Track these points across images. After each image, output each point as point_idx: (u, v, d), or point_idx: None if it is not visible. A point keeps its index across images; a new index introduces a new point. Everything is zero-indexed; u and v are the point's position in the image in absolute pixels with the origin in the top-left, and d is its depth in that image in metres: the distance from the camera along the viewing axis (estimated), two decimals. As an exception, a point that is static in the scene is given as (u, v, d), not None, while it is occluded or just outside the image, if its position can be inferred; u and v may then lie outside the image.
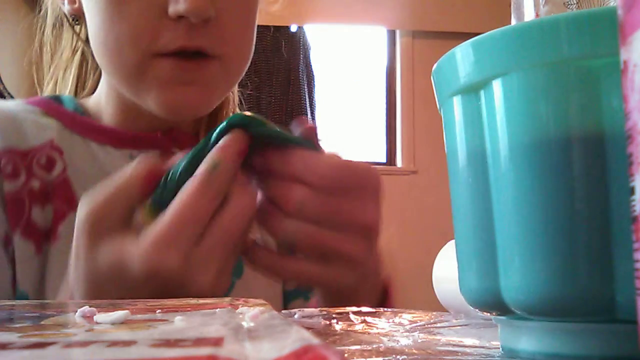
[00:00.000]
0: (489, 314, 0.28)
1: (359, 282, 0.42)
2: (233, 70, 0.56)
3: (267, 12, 0.69)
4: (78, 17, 0.59)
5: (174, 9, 0.49)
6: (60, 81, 0.66)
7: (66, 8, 0.60)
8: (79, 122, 0.59)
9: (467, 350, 0.28)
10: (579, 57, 0.23)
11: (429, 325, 0.38)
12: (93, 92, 0.64)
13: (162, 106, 0.53)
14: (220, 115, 0.66)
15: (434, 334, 0.34)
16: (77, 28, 0.63)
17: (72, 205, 0.53)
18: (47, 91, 0.67)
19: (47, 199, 0.54)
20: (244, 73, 0.60)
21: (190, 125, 0.63)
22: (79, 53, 0.65)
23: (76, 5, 0.58)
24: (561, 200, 0.23)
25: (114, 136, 0.59)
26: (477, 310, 0.29)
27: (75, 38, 0.64)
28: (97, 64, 0.62)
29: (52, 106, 0.60)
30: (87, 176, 0.56)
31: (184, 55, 0.51)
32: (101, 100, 0.61)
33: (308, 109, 3.11)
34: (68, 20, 0.62)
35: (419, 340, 0.31)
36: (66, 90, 0.65)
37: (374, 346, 0.29)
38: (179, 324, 0.18)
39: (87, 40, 0.61)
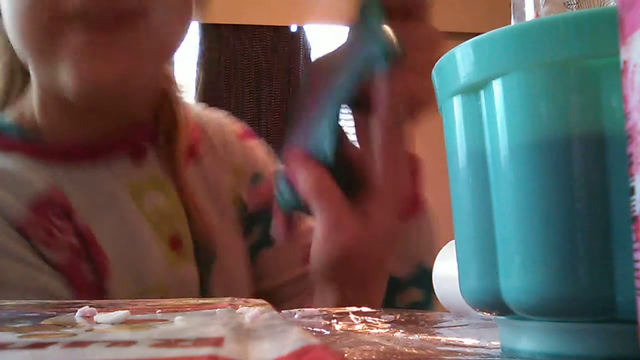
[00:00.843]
0: (489, 314, 0.28)
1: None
2: (160, 36, 0.48)
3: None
4: None
5: None
6: None
7: None
8: (47, 149, 0.50)
9: (467, 350, 0.28)
10: (579, 57, 0.23)
11: (429, 325, 0.38)
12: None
13: (75, 84, 0.45)
14: (164, 106, 0.57)
15: (434, 334, 0.34)
16: None
17: (103, 254, 0.47)
18: None
19: (85, 253, 0.48)
20: (181, 40, 0.52)
21: (148, 116, 0.55)
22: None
23: None
24: (561, 200, 0.23)
25: (84, 150, 0.51)
26: (477, 310, 0.29)
27: None
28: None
29: (1, 139, 0.49)
30: (95, 211, 0.49)
31: (99, 19, 0.44)
32: (34, 112, 0.51)
33: (308, 109, 3.11)
34: None
35: (419, 340, 0.31)
36: None
37: (374, 346, 0.29)
38: (179, 324, 0.18)
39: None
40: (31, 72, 0.51)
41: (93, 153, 0.52)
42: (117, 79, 0.46)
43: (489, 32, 0.25)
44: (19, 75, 0.54)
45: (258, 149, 0.66)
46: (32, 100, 0.52)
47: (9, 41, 0.52)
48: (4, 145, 0.50)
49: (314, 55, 0.59)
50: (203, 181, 0.58)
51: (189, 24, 0.52)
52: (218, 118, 0.66)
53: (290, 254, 0.61)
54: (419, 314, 0.45)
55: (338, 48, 0.52)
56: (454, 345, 0.30)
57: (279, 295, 0.60)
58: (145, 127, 0.55)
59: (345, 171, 0.45)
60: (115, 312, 0.19)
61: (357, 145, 0.46)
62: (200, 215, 0.55)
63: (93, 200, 0.50)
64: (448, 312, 0.46)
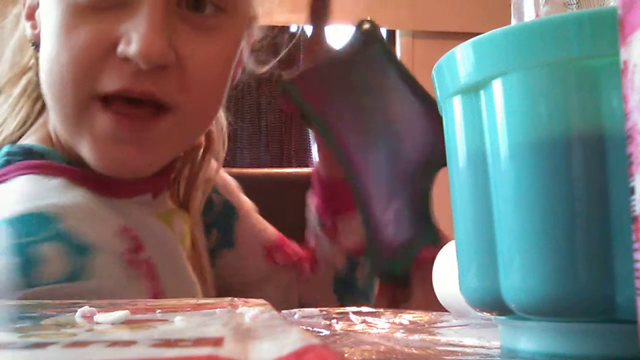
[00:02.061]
0: (489, 314, 0.28)
1: None
2: (191, 126, 0.49)
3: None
4: (36, 43, 0.50)
5: (123, 50, 0.42)
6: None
7: (28, 32, 0.51)
8: (103, 182, 0.48)
9: (467, 350, 0.28)
10: (579, 57, 0.23)
11: (429, 325, 0.38)
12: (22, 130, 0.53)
13: (95, 163, 0.46)
14: (196, 151, 0.58)
15: (434, 334, 0.34)
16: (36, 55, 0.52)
17: (159, 284, 0.45)
18: None
19: (152, 284, 0.46)
20: (205, 129, 0.53)
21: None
22: (25, 78, 0.54)
23: (36, 31, 0.50)
24: (561, 200, 0.23)
25: (120, 185, 0.50)
26: (477, 310, 0.29)
27: (30, 61, 0.54)
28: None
29: (63, 168, 0.47)
30: (148, 242, 0.47)
31: (131, 105, 0.44)
32: (59, 139, 0.51)
33: (308, 109, 3.11)
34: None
35: (419, 340, 0.31)
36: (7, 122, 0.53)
37: (374, 346, 0.29)
38: (179, 324, 0.18)
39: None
40: None
41: (128, 189, 0.51)
42: (131, 168, 0.47)
43: (489, 32, 0.25)
44: (39, 104, 0.54)
45: (241, 200, 0.68)
46: (55, 128, 0.51)
47: (31, 77, 0.53)
48: (68, 175, 0.47)
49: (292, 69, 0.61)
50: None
51: (224, 100, 0.53)
52: (224, 187, 0.67)
53: (252, 253, 0.65)
54: (419, 314, 0.45)
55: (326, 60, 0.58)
56: (454, 345, 0.30)
57: (259, 294, 0.61)
58: (168, 175, 0.55)
59: None
60: (115, 312, 0.19)
61: None
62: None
63: (146, 233, 0.48)
64: (448, 312, 0.46)
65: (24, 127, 0.53)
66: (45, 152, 0.50)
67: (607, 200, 0.23)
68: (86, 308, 0.20)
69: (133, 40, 0.42)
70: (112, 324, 0.18)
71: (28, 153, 0.49)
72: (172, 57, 0.44)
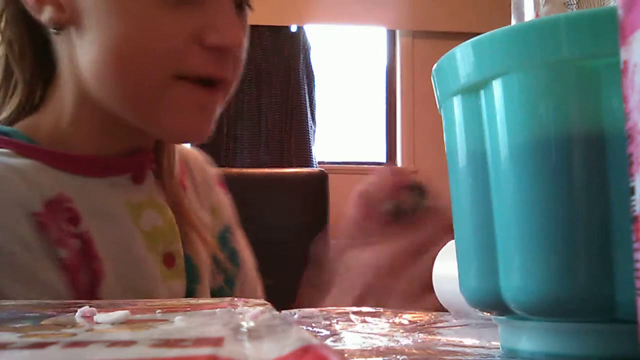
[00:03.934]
0: (489, 314, 0.28)
1: None
2: (227, 96, 0.57)
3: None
4: (62, 27, 0.52)
5: (214, 39, 0.50)
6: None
7: (51, 15, 0.51)
8: (59, 157, 0.52)
9: (467, 350, 0.28)
10: (579, 57, 0.23)
11: (429, 325, 0.38)
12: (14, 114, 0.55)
13: (175, 131, 0.53)
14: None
15: (434, 334, 0.34)
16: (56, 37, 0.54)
17: (99, 261, 0.49)
18: None
19: (83, 258, 0.49)
20: None
21: (151, 144, 0.59)
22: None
23: (66, 15, 0.51)
24: (561, 200, 0.23)
25: (94, 165, 0.54)
26: (477, 310, 0.29)
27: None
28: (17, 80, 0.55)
29: (16, 143, 0.52)
30: (96, 221, 0.51)
31: (202, 82, 0.52)
32: (64, 124, 0.54)
33: (308, 109, 3.10)
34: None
35: (419, 340, 0.31)
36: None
37: (374, 346, 0.29)
38: (179, 324, 0.18)
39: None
40: (77, 99, 0.54)
41: (102, 168, 0.55)
42: (203, 133, 0.54)
43: (489, 32, 0.25)
44: (37, 94, 0.57)
45: (227, 200, 0.72)
46: (56, 113, 0.55)
47: (29, 64, 0.55)
48: (18, 148, 0.52)
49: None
50: (190, 207, 0.63)
51: None
52: (196, 155, 0.71)
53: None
54: (419, 314, 0.45)
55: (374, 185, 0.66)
56: (454, 345, 0.30)
57: None
58: (149, 154, 0.59)
59: None
60: (115, 312, 0.19)
61: None
62: (198, 235, 0.60)
63: (94, 211, 0.52)
64: (448, 312, 0.46)
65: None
66: (11, 132, 0.53)
67: (607, 200, 0.23)
68: (86, 308, 0.20)
69: (221, 29, 0.50)
70: (112, 324, 0.18)
71: None
72: None
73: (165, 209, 0.57)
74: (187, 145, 0.71)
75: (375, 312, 0.45)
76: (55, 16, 0.51)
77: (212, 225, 0.65)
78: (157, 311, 0.21)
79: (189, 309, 0.22)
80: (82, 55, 0.51)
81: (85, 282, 0.49)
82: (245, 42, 0.56)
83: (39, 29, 0.54)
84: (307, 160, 2.97)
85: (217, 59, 0.51)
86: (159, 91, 0.51)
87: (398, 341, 0.31)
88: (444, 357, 0.26)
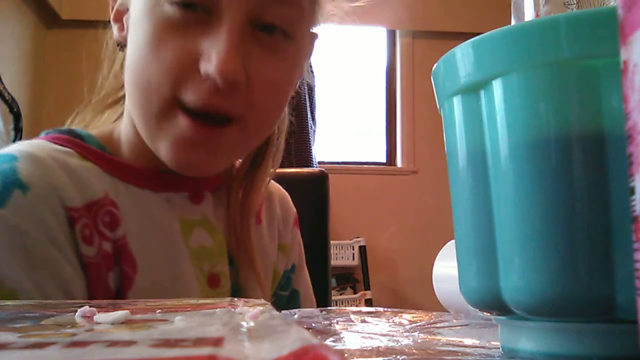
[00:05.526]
0: (489, 314, 0.28)
1: None
2: (253, 136, 0.54)
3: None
4: (124, 45, 0.55)
5: (204, 68, 0.47)
6: (97, 102, 0.61)
7: (115, 34, 0.56)
8: (116, 165, 0.54)
9: (467, 350, 0.28)
10: (579, 57, 0.23)
11: (429, 325, 0.38)
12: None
13: (171, 161, 0.51)
14: (260, 152, 0.64)
15: (434, 334, 0.34)
16: (121, 55, 0.58)
17: (134, 267, 0.50)
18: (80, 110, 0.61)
19: (115, 262, 0.50)
20: (265, 138, 0.58)
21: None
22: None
23: (124, 33, 0.55)
24: (561, 200, 0.23)
25: (151, 179, 0.55)
26: (477, 310, 0.29)
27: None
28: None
29: (82, 146, 0.54)
30: (140, 229, 0.52)
31: (206, 115, 0.49)
32: (122, 135, 0.57)
33: (308, 109, 3.10)
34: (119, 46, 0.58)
35: (419, 340, 0.31)
36: (97, 115, 0.60)
37: (374, 346, 0.29)
38: (179, 324, 0.18)
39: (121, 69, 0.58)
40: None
41: (157, 183, 0.56)
42: (201, 170, 0.52)
43: (489, 32, 0.25)
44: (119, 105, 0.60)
45: (300, 239, 0.71)
46: (125, 126, 0.57)
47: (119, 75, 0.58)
48: (80, 149, 0.54)
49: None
50: (258, 241, 0.63)
51: (285, 106, 0.57)
52: (282, 193, 0.71)
53: None
54: (419, 314, 0.45)
55: None
56: (454, 345, 0.30)
57: None
58: (213, 179, 0.59)
59: None
60: (115, 312, 0.19)
61: None
62: (253, 269, 0.60)
63: (143, 220, 0.53)
64: (448, 312, 0.46)
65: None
66: (86, 136, 0.55)
67: (607, 200, 0.23)
68: (86, 308, 0.20)
69: (212, 58, 0.46)
70: (112, 324, 0.18)
71: (69, 132, 0.55)
72: (244, 77, 0.48)
73: (217, 232, 0.58)
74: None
75: (375, 312, 0.45)
76: (118, 34, 0.55)
77: (278, 263, 0.65)
78: (157, 311, 0.21)
79: (188, 309, 0.22)
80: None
81: (108, 285, 0.49)
82: (263, 74, 0.50)
83: None
84: (307, 160, 2.97)
85: (215, 90, 0.47)
86: (161, 117, 0.50)
87: (398, 341, 0.31)
88: (444, 357, 0.26)
